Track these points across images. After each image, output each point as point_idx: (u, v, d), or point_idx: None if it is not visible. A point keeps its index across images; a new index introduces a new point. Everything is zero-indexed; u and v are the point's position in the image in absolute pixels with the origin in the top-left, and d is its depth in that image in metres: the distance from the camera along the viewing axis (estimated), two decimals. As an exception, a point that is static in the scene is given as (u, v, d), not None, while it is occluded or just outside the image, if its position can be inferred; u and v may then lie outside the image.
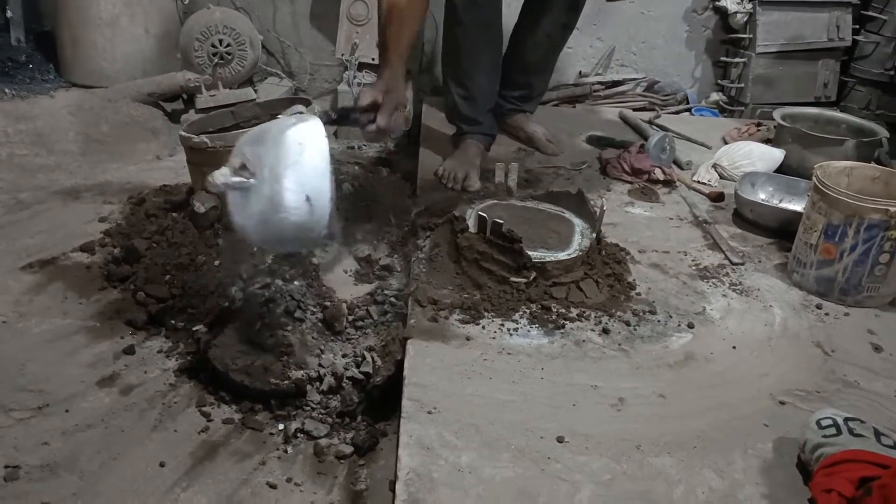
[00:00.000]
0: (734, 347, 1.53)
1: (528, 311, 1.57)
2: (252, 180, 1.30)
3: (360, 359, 1.52)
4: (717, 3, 3.14)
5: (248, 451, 1.41)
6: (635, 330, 1.56)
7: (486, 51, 2.22)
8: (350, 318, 1.60)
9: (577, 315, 1.57)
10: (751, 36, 3.05)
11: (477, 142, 2.30)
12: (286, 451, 1.41)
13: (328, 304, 1.62)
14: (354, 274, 1.78)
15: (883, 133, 2.35)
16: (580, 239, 1.73)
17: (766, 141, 2.57)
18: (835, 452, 1.13)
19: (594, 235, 1.74)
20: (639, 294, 1.68)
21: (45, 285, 1.85)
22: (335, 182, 1.34)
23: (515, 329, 1.52)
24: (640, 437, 1.26)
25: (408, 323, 1.52)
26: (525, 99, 2.53)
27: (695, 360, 1.48)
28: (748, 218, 2.07)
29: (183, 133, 1.97)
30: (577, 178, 2.33)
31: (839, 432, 1.16)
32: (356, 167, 1.83)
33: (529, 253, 1.60)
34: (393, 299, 1.67)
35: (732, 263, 1.86)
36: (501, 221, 1.60)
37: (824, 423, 1.19)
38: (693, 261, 1.86)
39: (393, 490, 1.14)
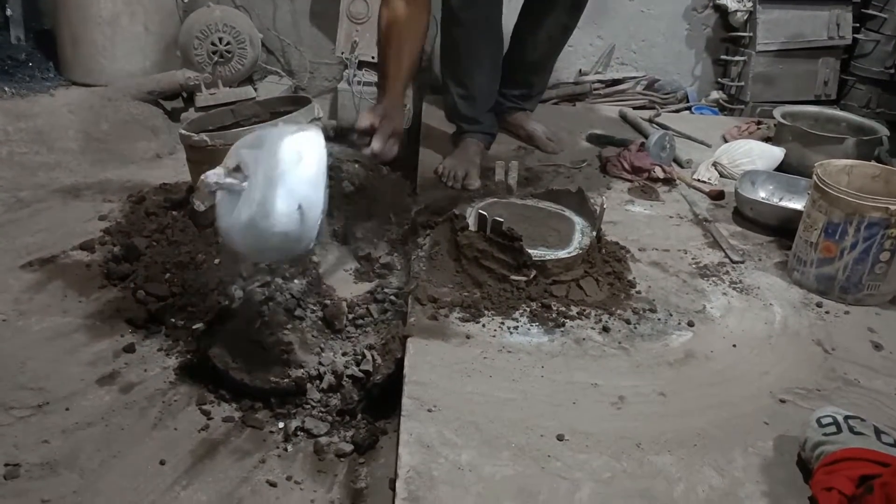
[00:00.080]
0: (734, 346, 1.53)
1: (528, 309, 1.57)
2: (244, 183, 1.29)
3: (360, 357, 1.52)
4: (717, 1, 3.14)
5: (248, 449, 1.41)
6: (635, 328, 1.55)
7: (486, 51, 2.20)
8: (350, 316, 1.60)
9: (577, 313, 1.57)
10: (751, 34, 3.04)
11: (477, 140, 2.29)
12: (286, 450, 1.41)
13: (328, 302, 1.61)
14: (354, 272, 1.78)
15: (883, 131, 2.35)
16: (580, 237, 1.72)
17: (767, 139, 2.57)
18: (835, 450, 1.13)
19: (594, 234, 1.74)
20: (639, 292, 1.68)
21: (45, 283, 1.85)
22: (329, 195, 1.32)
23: (515, 327, 1.52)
24: (641, 435, 1.26)
25: (408, 321, 1.52)
26: (525, 97, 2.52)
27: (695, 359, 1.48)
28: (748, 216, 2.07)
29: (183, 131, 1.97)
30: (577, 176, 2.32)
31: (839, 430, 1.16)
32: (356, 165, 1.83)
33: (529, 251, 1.60)
34: (393, 297, 1.66)
35: (732, 262, 1.86)
36: (501, 220, 1.60)
37: (824, 421, 1.19)
38: (693, 259, 1.86)
39: (393, 488, 1.14)
